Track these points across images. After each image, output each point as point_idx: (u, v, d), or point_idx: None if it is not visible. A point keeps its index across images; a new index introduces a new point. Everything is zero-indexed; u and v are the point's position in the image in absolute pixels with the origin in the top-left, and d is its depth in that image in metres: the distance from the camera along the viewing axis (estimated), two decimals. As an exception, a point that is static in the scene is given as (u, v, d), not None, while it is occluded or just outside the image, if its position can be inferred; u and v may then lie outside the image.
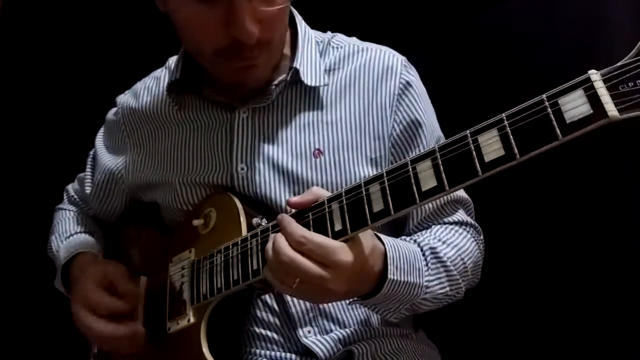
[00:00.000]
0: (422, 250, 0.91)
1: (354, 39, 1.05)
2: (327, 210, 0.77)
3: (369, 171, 0.96)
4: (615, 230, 1.22)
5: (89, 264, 1.01)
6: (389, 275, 0.80)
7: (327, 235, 0.76)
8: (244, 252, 0.85)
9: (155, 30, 1.49)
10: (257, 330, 0.93)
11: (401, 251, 0.83)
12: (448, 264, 0.91)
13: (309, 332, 0.92)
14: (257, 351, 0.93)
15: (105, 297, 0.93)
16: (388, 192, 0.72)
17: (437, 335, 1.09)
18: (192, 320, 0.89)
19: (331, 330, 0.93)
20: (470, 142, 0.66)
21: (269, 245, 0.77)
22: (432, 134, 1.01)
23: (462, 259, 0.94)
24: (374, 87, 0.98)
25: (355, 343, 0.93)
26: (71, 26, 1.53)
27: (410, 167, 0.71)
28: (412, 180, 0.70)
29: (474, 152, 0.66)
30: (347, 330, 0.94)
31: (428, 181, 0.69)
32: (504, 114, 0.65)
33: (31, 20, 1.53)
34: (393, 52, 1.02)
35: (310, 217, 0.78)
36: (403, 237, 0.96)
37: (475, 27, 1.48)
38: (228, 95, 0.98)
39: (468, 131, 0.67)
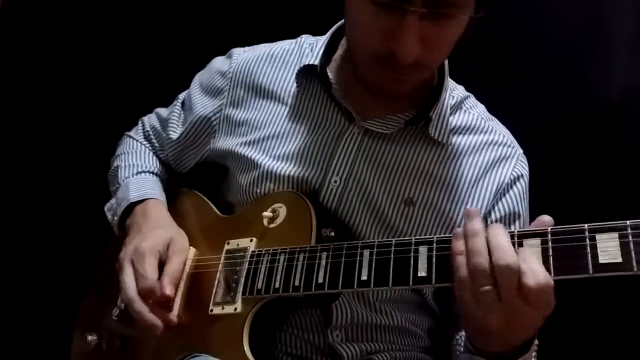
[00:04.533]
0: None
1: (482, 109, 1.06)
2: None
3: None
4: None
5: (159, 225, 0.99)
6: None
7: None
8: (311, 262, 0.85)
9: (157, 30, 1.45)
10: (290, 324, 0.95)
11: None
12: None
13: (337, 335, 0.96)
14: (283, 346, 0.96)
15: (154, 276, 0.89)
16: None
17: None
18: (239, 309, 0.89)
19: (360, 340, 0.97)
20: (587, 237, 0.67)
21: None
22: (524, 227, 1.00)
23: None
24: (486, 167, 0.98)
25: (378, 353, 0.98)
26: (72, 26, 1.48)
27: (517, 240, 0.71)
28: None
29: (588, 248, 0.67)
30: (374, 343, 0.98)
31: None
32: (628, 222, 0.66)
33: (31, 20, 1.47)
34: (515, 142, 1.03)
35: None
36: None
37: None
38: (356, 105, 0.96)
39: (586, 225, 0.68)
